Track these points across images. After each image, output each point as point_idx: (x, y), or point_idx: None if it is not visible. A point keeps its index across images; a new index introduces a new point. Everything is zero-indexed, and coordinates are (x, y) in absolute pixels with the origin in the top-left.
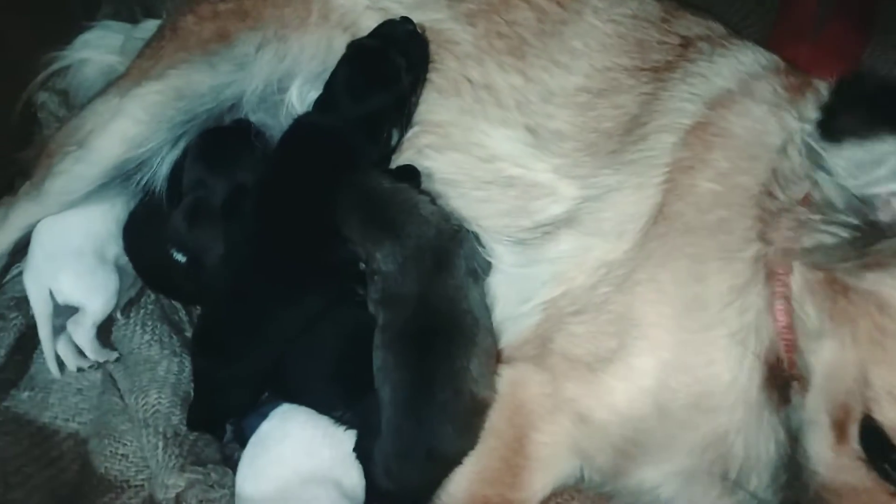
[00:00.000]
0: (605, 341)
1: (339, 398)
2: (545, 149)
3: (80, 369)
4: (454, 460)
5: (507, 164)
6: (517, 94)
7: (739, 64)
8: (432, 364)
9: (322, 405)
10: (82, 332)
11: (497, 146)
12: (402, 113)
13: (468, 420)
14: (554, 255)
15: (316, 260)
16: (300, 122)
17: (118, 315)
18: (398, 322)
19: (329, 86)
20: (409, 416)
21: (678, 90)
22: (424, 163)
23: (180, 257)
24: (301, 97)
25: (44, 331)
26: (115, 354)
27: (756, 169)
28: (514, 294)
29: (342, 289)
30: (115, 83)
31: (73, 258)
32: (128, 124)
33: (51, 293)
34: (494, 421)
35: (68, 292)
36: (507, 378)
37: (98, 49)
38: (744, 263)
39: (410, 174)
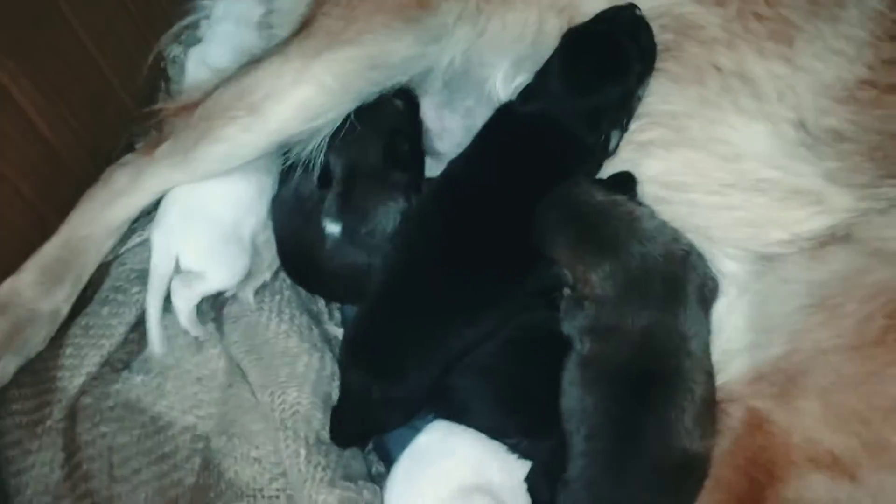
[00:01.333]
0: (888, 387)
1: (514, 426)
2: (815, 149)
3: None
4: None
5: (758, 165)
6: (781, 85)
7: None
8: (642, 413)
9: (493, 430)
10: (187, 294)
11: (748, 143)
12: (624, 111)
13: (678, 480)
14: (816, 276)
15: (511, 280)
16: (511, 111)
17: (250, 299)
18: (610, 359)
19: (544, 74)
20: (609, 471)
21: None
22: (646, 160)
23: (334, 227)
24: (505, 83)
25: (156, 294)
26: (205, 334)
27: None
28: (750, 320)
29: (526, 304)
30: (294, 42)
31: (210, 224)
32: (312, 92)
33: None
34: (723, 472)
35: (194, 259)
36: (739, 420)
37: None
38: None
39: (625, 182)
